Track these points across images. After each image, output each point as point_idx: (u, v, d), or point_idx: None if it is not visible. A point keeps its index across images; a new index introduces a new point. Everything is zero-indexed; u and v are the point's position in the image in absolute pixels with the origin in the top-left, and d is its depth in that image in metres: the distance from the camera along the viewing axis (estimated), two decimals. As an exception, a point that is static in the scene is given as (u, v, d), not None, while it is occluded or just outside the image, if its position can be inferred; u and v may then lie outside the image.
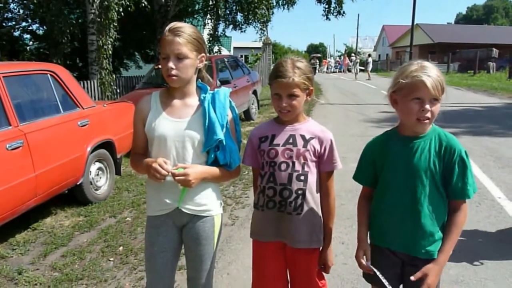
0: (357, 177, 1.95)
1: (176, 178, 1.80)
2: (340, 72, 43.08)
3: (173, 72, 1.82)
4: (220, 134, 1.89)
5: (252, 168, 2.10)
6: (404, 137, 1.77)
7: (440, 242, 1.73)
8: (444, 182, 1.72)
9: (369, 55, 32.22)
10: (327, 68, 44.21)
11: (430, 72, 1.63)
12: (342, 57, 53.12)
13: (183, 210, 1.93)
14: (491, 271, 3.15)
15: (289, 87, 1.83)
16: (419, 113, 1.64)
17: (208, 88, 2.00)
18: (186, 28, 1.85)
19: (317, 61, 38.50)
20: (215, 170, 1.94)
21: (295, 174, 1.88)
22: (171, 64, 1.81)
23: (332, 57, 61.18)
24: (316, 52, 58.04)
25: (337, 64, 47.51)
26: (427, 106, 1.63)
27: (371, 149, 1.89)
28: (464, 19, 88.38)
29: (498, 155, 6.41)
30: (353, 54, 47.29)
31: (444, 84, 1.66)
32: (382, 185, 1.84)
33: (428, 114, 1.64)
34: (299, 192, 1.89)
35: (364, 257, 1.82)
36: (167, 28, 1.83)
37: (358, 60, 33.41)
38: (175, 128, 1.89)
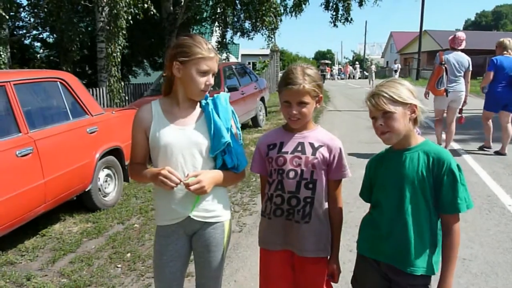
0: (361, 194, 1.98)
1: (192, 187, 1.79)
2: (342, 79, 44.00)
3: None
4: (228, 137, 1.91)
5: (260, 175, 2.09)
6: (396, 150, 1.79)
7: (426, 257, 1.71)
8: (435, 196, 1.70)
9: (396, 61, 29.93)
10: (330, 75, 44.44)
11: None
12: (344, 65, 54.79)
13: (194, 218, 1.93)
14: (501, 280, 3.10)
15: (299, 95, 1.83)
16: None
17: (208, 94, 2.01)
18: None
19: (326, 67, 38.33)
20: (224, 173, 1.94)
21: (303, 182, 1.87)
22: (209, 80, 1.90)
23: (339, 64, 61.63)
24: (324, 59, 58.20)
25: (340, 72, 48.05)
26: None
27: (369, 165, 1.92)
28: (473, 25, 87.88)
29: (508, 162, 6.34)
30: (357, 63, 48.14)
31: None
32: (374, 196, 1.86)
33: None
34: (307, 200, 1.88)
35: None
36: (209, 46, 1.88)
37: (374, 67, 30.43)
38: (182, 136, 1.90)
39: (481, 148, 7.13)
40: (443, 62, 6.50)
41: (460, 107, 6.73)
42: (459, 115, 6.85)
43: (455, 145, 7.53)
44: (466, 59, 6.57)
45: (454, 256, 1.70)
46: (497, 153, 6.78)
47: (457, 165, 1.68)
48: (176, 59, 1.85)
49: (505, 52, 6.64)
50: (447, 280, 1.69)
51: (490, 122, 7.00)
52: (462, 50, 6.58)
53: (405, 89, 1.71)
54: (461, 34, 6.60)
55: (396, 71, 27.00)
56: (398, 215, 1.72)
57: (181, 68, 1.85)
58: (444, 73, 6.44)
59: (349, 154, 6.74)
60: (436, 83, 6.54)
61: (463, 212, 1.67)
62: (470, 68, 6.60)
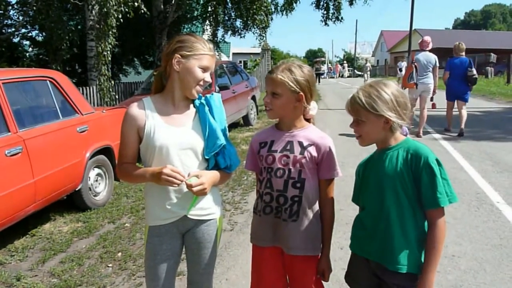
0: (353, 199, 1.98)
1: (195, 189, 1.79)
2: (332, 77, 44.28)
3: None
4: (223, 139, 1.92)
5: (256, 173, 2.10)
6: (379, 150, 1.80)
7: (411, 255, 1.69)
8: (417, 193, 1.67)
9: (404, 58, 25.15)
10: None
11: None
12: (335, 64, 55.56)
13: (190, 217, 1.93)
14: (490, 276, 3.15)
15: (272, 84, 1.86)
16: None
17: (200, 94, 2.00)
18: None
19: (321, 66, 37.82)
20: (219, 174, 1.96)
21: (290, 181, 1.87)
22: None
23: (330, 63, 61.84)
24: (316, 57, 58.22)
25: (329, 71, 48.12)
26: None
27: (358, 170, 1.93)
28: (462, 25, 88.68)
29: (496, 159, 6.42)
30: (345, 62, 48.40)
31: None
32: (360, 197, 1.88)
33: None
34: (295, 199, 1.88)
35: None
36: (210, 46, 1.91)
37: (369, 66, 28.31)
38: (178, 137, 1.88)
39: (446, 130, 8.73)
40: (414, 61, 8.12)
41: (429, 96, 8.28)
42: (431, 102, 8.44)
43: (444, 143, 7.62)
44: (433, 58, 8.12)
45: (436, 251, 1.65)
46: (459, 134, 8.22)
47: (436, 159, 1.65)
48: (177, 52, 1.84)
49: (460, 54, 8.21)
50: (427, 276, 1.66)
51: (452, 112, 8.67)
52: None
53: (385, 97, 1.66)
54: (427, 38, 8.25)
55: (401, 70, 22.13)
56: (381, 214, 1.72)
57: (181, 62, 1.84)
58: (414, 70, 8.03)
59: (340, 153, 6.76)
60: (407, 78, 8.16)
61: (445, 206, 1.65)
62: (437, 64, 8.16)
